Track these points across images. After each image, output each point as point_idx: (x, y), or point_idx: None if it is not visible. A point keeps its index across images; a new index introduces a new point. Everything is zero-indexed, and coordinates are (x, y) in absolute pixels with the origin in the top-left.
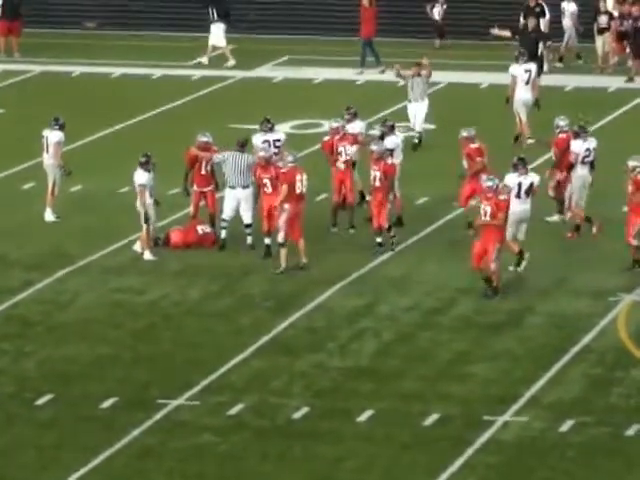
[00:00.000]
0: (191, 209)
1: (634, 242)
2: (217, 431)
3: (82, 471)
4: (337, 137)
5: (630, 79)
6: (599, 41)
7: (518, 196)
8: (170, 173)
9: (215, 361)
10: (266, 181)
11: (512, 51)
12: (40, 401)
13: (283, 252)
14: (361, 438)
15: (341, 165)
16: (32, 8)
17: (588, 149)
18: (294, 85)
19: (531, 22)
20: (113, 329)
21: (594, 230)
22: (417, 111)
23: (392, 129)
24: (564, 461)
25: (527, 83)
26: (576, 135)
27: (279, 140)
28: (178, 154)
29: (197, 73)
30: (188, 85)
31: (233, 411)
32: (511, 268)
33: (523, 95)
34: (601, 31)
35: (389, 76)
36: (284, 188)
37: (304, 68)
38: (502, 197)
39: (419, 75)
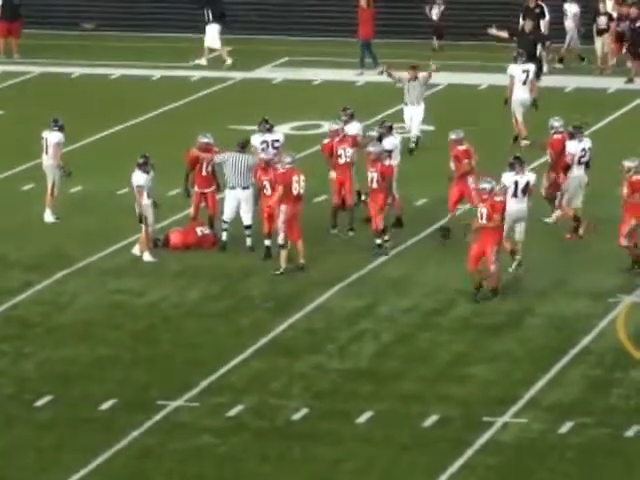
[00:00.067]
0: (191, 210)
1: (624, 242)
2: (217, 432)
3: (82, 472)
4: (337, 139)
5: (630, 80)
6: (598, 42)
7: (515, 195)
8: (170, 174)
9: (215, 362)
10: (266, 183)
11: (511, 52)
12: (40, 402)
13: (283, 253)
14: (360, 439)
15: (333, 175)
16: (31, 9)
17: (584, 149)
18: (294, 86)
19: (528, 24)
20: (113, 330)
21: (580, 231)
22: (413, 115)
23: (390, 130)
24: (563, 462)
25: (524, 83)
26: (571, 136)
27: (278, 140)
28: (178, 155)
29: (196, 74)
30: (187, 86)
31: (233, 412)
32: (511, 269)
33: (521, 95)
34: (600, 32)
35: (398, 74)
36: (279, 189)
37: (304, 69)
38: (498, 199)
39: (415, 79)
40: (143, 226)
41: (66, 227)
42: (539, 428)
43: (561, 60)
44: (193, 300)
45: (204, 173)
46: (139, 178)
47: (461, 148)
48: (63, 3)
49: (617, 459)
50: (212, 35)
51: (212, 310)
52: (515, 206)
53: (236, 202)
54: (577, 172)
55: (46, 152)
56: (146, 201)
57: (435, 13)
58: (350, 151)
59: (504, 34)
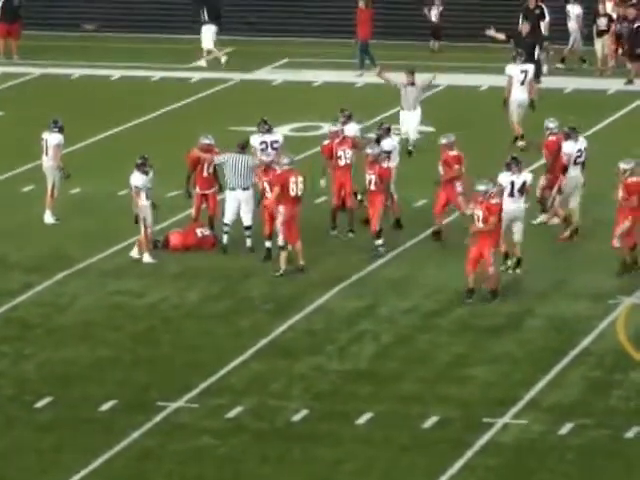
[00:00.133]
0: (193, 211)
1: (616, 243)
2: (216, 434)
3: (82, 473)
4: (336, 141)
5: (629, 81)
6: (598, 44)
7: (511, 195)
8: (169, 176)
9: (214, 364)
10: (266, 185)
11: (510, 53)
12: (40, 404)
13: (283, 255)
14: (360, 441)
15: (323, 183)
16: (32, 11)
17: (580, 150)
18: (293, 88)
19: (525, 27)
20: (113, 332)
21: (565, 234)
22: (410, 120)
23: (388, 132)
24: (563, 464)
25: (523, 83)
26: (567, 136)
27: (277, 141)
28: (178, 156)
29: (196, 75)
30: (187, 87)
31: (232, 413)
32: (510, 271)
33: (519, 95)
34: (600, 34)
35: (394, 78)
36: (275, 190)
37: (304, 71)
38: (493, 201)
39: (412, 84)
40: (141, 227)
41: (66, 228)
42: (539, 429)
43: (563, 60)
44: (193, 301)
45: (205, 174)
46: (137, 179)
47: (452, 153)
48: (64, 4)
49: (617, 460)
50: (206, 36)
51: (212, 311)
52: (511, 206)
53: (236, 203)
54: (573, 172)
55: (46, 153)
56: (145, 202)
57: (434, 14)
58: (350, 152)
59: (501, 36)
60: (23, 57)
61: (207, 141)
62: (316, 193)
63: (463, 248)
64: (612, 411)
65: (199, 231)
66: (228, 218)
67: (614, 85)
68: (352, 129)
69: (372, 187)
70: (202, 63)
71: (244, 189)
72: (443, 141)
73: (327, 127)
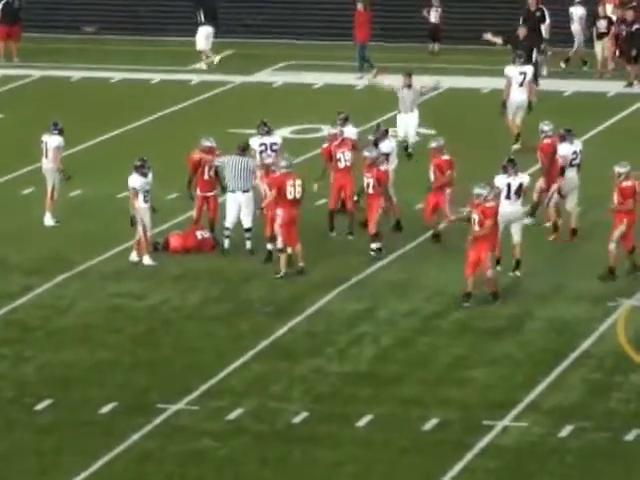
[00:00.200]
0: (194, 213)
1: (611, 247)
2: (216, 436)
3: (82, 475)
4: (335, 143)
5: (629, 84)
6: (598, 46)
7: (508, 197)
8: (169, 178)
9: (215, 366)
10: (267, 187)
11: (510, 55)
12: (40, 406)
13: (283, 257)
14: (360, 443)
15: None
16: (32, 13)
17: (575, 152)
18: (294, 90)
19: (521, 31)
20: (113, 334)
21: (551, 237)
22: (408, 123)
23: (386, 134)
24: (563, 466)
25: (521, 85)
26: (562, 139)
27: (276, 143)
28: (177, 159)
29: (196, 78)
30: (187, 90)
31: (232, 416)
32: (510, 273)
33: (517, 97)
34: (600, 36)
35: (392, 81)
36: (272, 193)
37: (304, 73)
38: (489, 204)
39: (409, 86)
40: (140, 229)
41: (66, 231)
42: (539, 432)
43: (567, 60)
44: (193, 303)
45: (206, 177)
46: (135, 180)
47: (444, 158)
48: (64, 7)
49: (617, 463)
50: (201, 37)
51: (212, 314)
52: (508, 208)
53: (237, 205)
54: (569, 174)
55: (46, 156)
56: (142, 205)
57: (434, 16)
58: (349, 154)
59: (498, 40)
60: (23, 59)
61: (208, 143)
62: (316, 195)
63: (463, 251)
64: (612, 413)
65: (199, 234)
66: (229, 221)
67: (614, 87)
68: (349, 131)
69: (370, 190)
70: (202, 65)
71: (244, 191)
72: (433, 145)
73: (327, 130)
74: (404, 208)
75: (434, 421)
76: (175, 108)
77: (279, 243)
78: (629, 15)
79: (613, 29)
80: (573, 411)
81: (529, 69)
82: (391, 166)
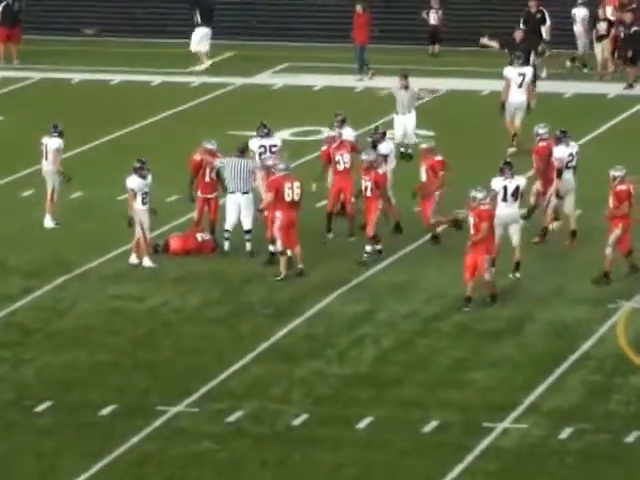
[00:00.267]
0: (195, 215)
1: (608, 251)
2: (216, 438)
3: (82, 478)
4: (334, 146)
5: (629, 86)
6: (598, 48)
7: (504, 199)
8: (169, 180)
9: (215, 368)
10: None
11: (509, 56)
12: (39, 408)
13: (282, 260)
14: (360, 445)
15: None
16: (32, 15)
17: (571, 154)
18: (294, 92)
19: (518, 34)
20: (112, 336)
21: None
22: (406, 124)
23: (384, 135)
24: (563, 468)
25: (520, 86)
26: (558, 141)
27: (275, 145)
28: (178, 161)
29: (197, 80)
30: (188, 92)
31: (232, 418)
32: (510, 275)
33: (516, 98)
34: (600, 38)
35: (388, 83)
36: (269, 195)
37: (304, 75)
38: (484, 207)
39: (406, 88)
40: (138, 231)
41: (66, 233)
42: (539, 434)
43: (573, 60)
44: (193, 306)
45: (207, 179)
46: (133, 182)
47: (437, 159)
48: (64, 9)
49: (617, 465)
50: (196, 38)
51: (212, 316)
52: (505, 210)
53: (237, 207)
54: (566, 177)
55: (46, 158)
56: (140, 207)
57: (433, 18)
58: (347, 157)
59: (495, 44)
60: (23, 62)
61: (210, 146)
62: (316, 197)
63: (463, 253)
64: (612, 415)
65: (199, 236)
66: (229, 223)
67: (614, 89)
68: (347, 133)
69: (368, 193)
70: (202, 68)
71: (244, 193)
72: (424, 146)
73: (325, 132)
74: (404, 210)
75: (434, 423)
76: (175, 110)
77: (279, 245)
78: (627, 17)
79: (613, 31)
80: (573, 413)
81: (528, 70)
82: (389, 167)
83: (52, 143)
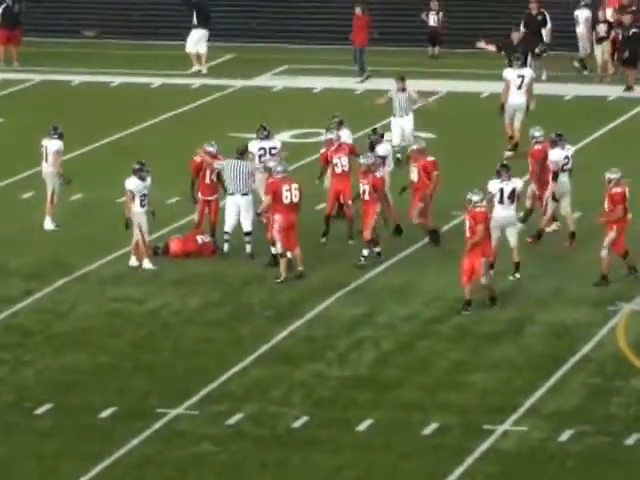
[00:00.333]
0: (196, 216)
1: (603, 253)
2: (216, 440)
3: None
4: (332, 148)
5: (629, 88)
6: (598, 50)
7: (501, 202)
8: (169, 182)
9: (215, 370)
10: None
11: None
12: (39, 410)
13: (282, 262)
14: (360, 447)
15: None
16: (32, 17)
17: (567, 157)
18: (294, 94)
19: (515, 35)
20: (112, 338)
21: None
22: (403, 126)
23: (382, 137)
24: (563, 470)
25: (519, 88)
26: (554, 144)
27: (275, 148)
28: (178, 163)
29: (196, 82)
30: (188, 94)
31: (232, 420)
32: (510, 277)
33: (515, 99)
34: (600, 40)
35: (388, 85)
36: (268, 198)
37: (303, 77)
38: (479, 210)
39: (403, 90)
40: (137, 232)
41: (66, 235)
42: (539, 436)
43: (581, 60)
44: (193, 308)
45: (208, 181)
46: (132, 183)
47: (429, 159)
48: (64, 11)
49: (617, 467)
50: (193, 39)
51: (212, 318)
52: (502, 213)
53: (236, 208)
54: (561, 179)
55: (46, 160)
56: (139, 209)
57: (432, 20)
58: (346, 159)
59: (492, 47)
60: (23, 63)
61: (211, 148)
62: (316, 199)
63: (462, 255)
64: (612, 418)
65: (199, 238)
66: (229, 225)
67: (614, 92)
68: (344, 135)
69: (366, 197)
70: (202, 69)
71: (243, 194)
72: (415, 147)
73: (323, 135)
74: (403, 212)
75: (434, 425)
76: (175, 112)
77: (279, 248)
78: (626, 19)
79: (612, 33)
80: (573, 415)
81: (527, 72)
82: (387, 169)
83: (52, 145)
